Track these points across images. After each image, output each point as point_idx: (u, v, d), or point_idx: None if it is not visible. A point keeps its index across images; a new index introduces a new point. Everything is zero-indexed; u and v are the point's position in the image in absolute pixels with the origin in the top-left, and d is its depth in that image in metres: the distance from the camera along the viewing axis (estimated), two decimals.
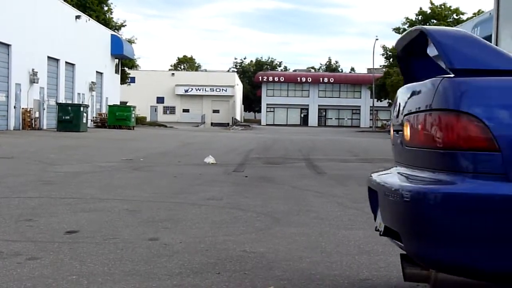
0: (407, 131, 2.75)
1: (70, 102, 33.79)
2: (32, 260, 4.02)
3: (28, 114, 29.44)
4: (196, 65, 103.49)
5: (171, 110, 76.64)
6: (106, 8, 48.25)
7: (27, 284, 3.48)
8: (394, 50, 3.32)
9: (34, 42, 29.95)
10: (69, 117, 29.09)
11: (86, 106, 30.97)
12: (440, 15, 57.20)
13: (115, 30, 48.25)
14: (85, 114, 29.87)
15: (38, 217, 5.58)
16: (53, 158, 12.56)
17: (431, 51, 2.88)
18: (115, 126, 35.83)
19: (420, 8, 58.74)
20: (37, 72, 30.24)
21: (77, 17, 36.94)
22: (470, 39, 2.51)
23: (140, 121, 46.40)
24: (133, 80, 62.61)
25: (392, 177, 2.83)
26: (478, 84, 2.41)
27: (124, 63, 51.23)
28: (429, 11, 57.96)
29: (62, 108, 29.68)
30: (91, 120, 37.44)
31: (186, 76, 79.16)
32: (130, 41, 50.70)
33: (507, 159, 2.31)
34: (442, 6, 57.84)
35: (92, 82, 39.90)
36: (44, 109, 31.66)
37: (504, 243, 2.30)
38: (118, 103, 43.94)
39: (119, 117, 36.10)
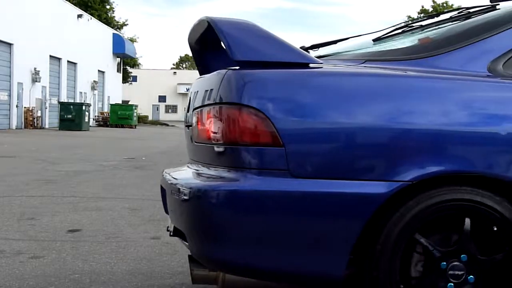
0: (195, 126, 2.65)
1: (72, 101, 33.81)
2: (35, 258, 4.02)
3: (30, 113, 29.47)
4: None
5: (173, 108, 76.65)
6: (108, 7, 48.29)
7: (30, 283, 3.49)
8: None
9: (36, 41, 29.97)
10: (71, 116, 29.12)
11: (88, 105, 30.98)
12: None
13: (117, 29, 48.29)
14: (87, 113, 29.89)
15: (40, 216, 5.59)
16: (55, 157, 12.57)
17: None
18: (117, 125, 35.85)
19: (422, 7, 58.78)
20: (39, 71, 30.26)
21: (79, 16, 36.97)
22: (256, 30, 2.39)
23: (142, 120, 46.42)
24: (135, 79, 62.67)
25: (179, 174, 2.71)
26: (262, 76, 2.32)
27: (126, 62, 51.26)
28: (431, 9, 57.98)
29: (64, 107, 29.70)
30: (93, 119, 37.47)
31: (188, 74, 79.17)
32: (132, 40, 50.75)
33: (290, 154, 2.23)
34: (444, 4, 57.85)
35: (94, 81, 39.93)
36: (46, 108, 31.68)
37: (285, 241, 2.26)
38: (120, 102, 43.96)
39: (121, 116, 36.12)
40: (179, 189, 2.43)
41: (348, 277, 2.37)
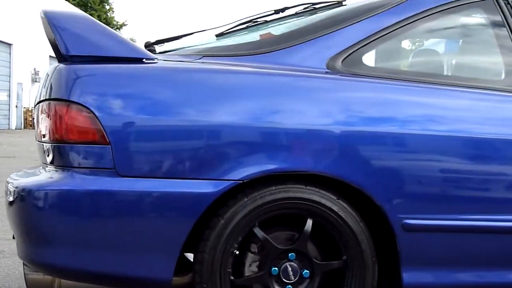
0: (35, 123, 2.58)
1: None
2: None
3: (30, 113, 29.46)
4: None
5: None
6: (107, 7, 48.32)
7: None
8: None
9: (36, 42, 29.95)
10: None
11: None
12: None
13: (117, 29, 48.29)
14: None
15: None
16: None
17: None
18: None
19: None
20: (38, 71, 30.25)
21: None
22: (88, 24, 2.33)
23: None
24: None
25: (18, 175, 2.59)
26: (91, 71, 2.26)
27: None
28: None
29: None
30: None
31: None
32: (132, 40, 50.71)
33: (116, 152, 2.18)
34: None
35: None
36: None
37: (111, 243, 2.21)
38: None
39: None
40: (10, 191, 2.35)
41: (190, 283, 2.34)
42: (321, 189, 2.29)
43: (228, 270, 2.26)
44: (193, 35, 3.01)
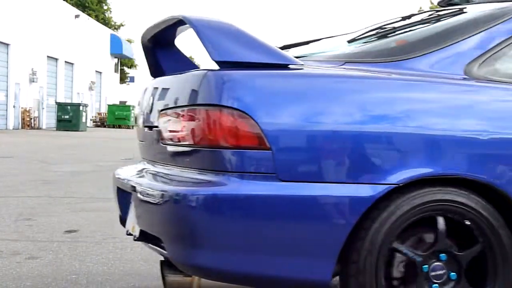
0: (165, 128, 2.57)
1: (69, 101, 33.77)
2: (32, 259, 4.03)
3: (27, 114, 29.44)
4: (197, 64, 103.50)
5: None
6: (105, 8, 48.29)
7: (27, 283, 3.49)
8: None
9: (34, 42, 29.94)
10: (69, 116, 29.07)
11: (86, 106, 30.93)
12: None
13: (115, 30, 48.25)
14: (84, 114, 29.84)
15: (37, 217, 5.59)
16: (53, 158, 12.56)
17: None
18: (114, 125, 35.82)
19: (420, 8, 58.77)
20: (36, 71, 30.22)
21: (77, 16, 36.93)
22: (235, 30, 2.34)
23: None
24: (132, 79, 62.59)
25: (148, 177, 2.62)
26: (244, 77, 2.26)
27: (123, 63, 51.26)
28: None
29: (61, 107, 29.65)
30: (91, 120, 37.43)
31: None
32: (129, 41, 50.71)
33: (278, 157, 2.19)
34: None
35: (91, 81, 39.88)
36: (43, 108, 31.64)
37: (271, 246, 2.22)
38: (118, 103, 43.91)
39: (118, 116, 36.08)
40: (162, 195, 2.32)
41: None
42: (484, 201, 2.34)
43: (381, 274, 2.28)
44: (320, 41, 3.04)
